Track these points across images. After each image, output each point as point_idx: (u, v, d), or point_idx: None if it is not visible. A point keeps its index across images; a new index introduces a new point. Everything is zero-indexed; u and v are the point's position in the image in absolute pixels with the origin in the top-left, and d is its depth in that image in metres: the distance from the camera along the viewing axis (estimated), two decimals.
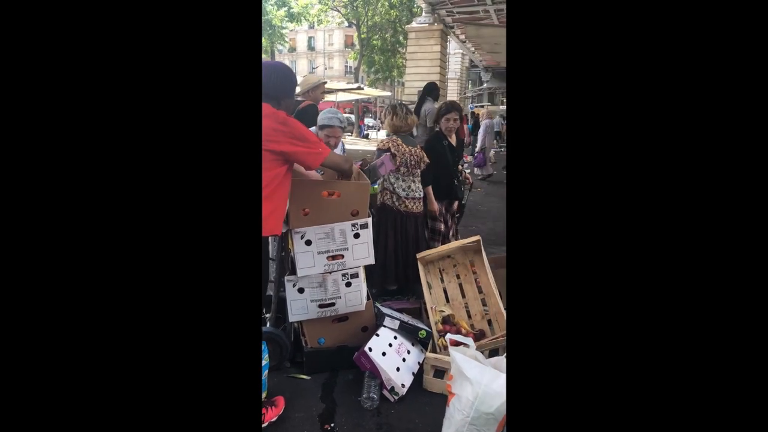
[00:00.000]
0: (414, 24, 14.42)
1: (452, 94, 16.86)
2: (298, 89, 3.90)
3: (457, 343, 1.93)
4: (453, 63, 19.71)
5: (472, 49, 16.45)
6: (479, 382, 1.40)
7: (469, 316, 2.19)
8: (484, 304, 2.19)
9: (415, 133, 4.55)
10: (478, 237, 2.23)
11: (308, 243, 1.83)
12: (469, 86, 22.28)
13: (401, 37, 19.48)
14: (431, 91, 4.30)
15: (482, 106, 19.43)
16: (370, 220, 1.88)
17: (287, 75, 1.69)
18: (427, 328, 2.02)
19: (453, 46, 17.03)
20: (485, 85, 20.05)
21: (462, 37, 15.07)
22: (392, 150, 2.33)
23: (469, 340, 1.54)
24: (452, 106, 2.71)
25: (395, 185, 2.43)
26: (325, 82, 3.52)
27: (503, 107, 20.41)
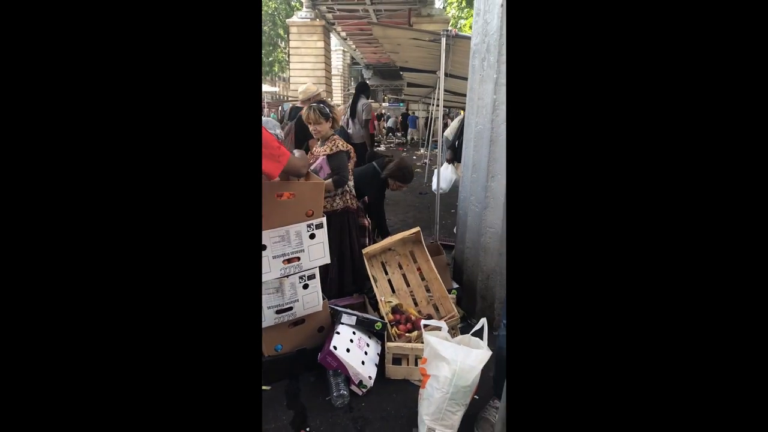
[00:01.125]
0: (295, 18, 14.10)
1: (336, 90, 16.92)
2: (300, 97, 3.82)
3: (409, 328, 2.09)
4: (335, 60, 19.79)
5: (353, 46, 16.72)
6: (455, 360, 1.52)
7: (416, 303, 2.32)
8: (428, 290, 2.34)
9: (351, 130, 4.71)
10: (417, 228, 2.36)
11: (263, 248, 1.75)
12: (352, 83, 22.68)
13: (281, 31, 18.86)
14: (364, 90, 4.98)
15: None
16: (324, 220, 1.87)
17: None
18: (382, 320, 2.09)
19: (334, 42, 17.05)
20: (368, 82, 20.62)
21: (343, 34, 15.22)
22: (351, 151, 2.33)
23: (442, 323, 1.65)
24: (410, 179, 2.88)
25: (350, 185, 2.42)
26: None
27: (386, 104, 21.32)
